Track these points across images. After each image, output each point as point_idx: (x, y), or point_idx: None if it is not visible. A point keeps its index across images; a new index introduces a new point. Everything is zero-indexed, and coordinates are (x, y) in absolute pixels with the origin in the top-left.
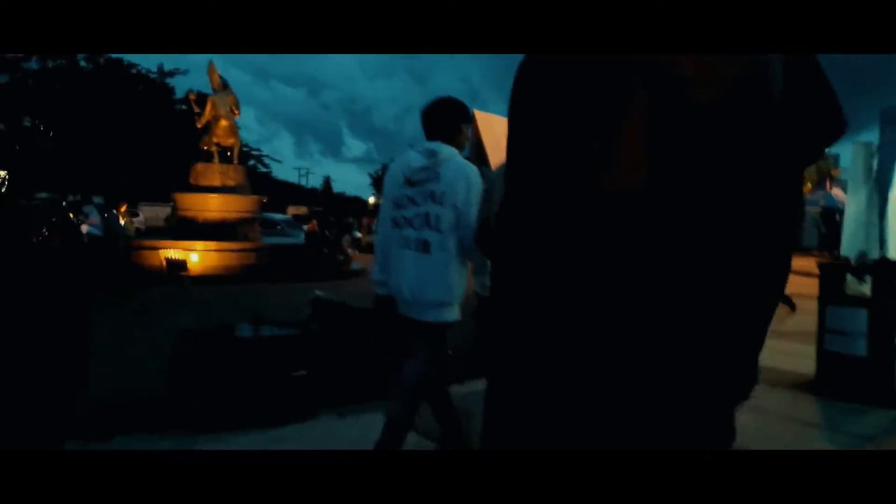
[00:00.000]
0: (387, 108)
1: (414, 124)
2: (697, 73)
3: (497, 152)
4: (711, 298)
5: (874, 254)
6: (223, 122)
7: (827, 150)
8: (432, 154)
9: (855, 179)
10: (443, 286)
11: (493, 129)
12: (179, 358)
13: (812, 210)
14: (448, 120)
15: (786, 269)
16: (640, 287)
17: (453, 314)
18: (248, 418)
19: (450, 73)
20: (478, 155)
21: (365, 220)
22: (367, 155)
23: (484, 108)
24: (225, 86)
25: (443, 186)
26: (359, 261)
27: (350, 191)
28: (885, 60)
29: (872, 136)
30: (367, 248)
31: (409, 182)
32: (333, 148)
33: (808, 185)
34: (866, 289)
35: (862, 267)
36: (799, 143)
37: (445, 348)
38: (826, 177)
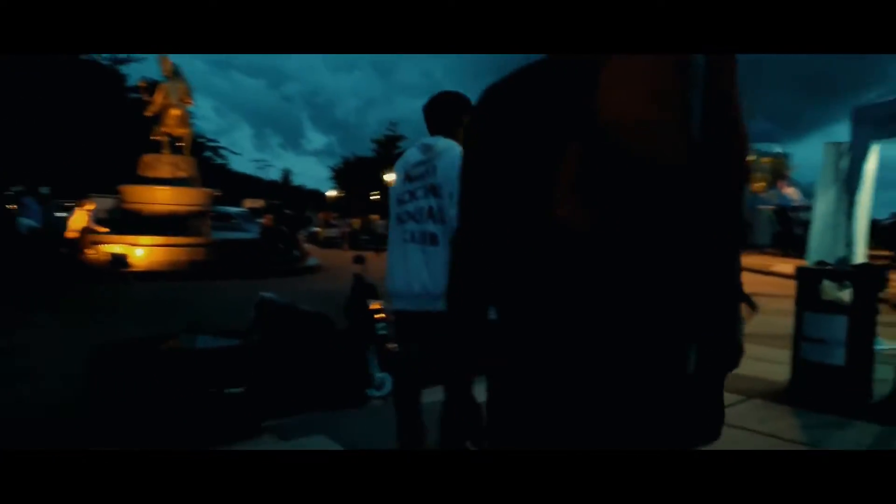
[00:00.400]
0: (349, 101)
1: (376, 117)
2: (622, 121)
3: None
4: (649, 308)
5: (841, 254)
6: (174, 111)
7: (780, 149)
8: (428, 148)
9: (824, 180)
10: None
11: None
12: (96, 374)
13: (766, 209)
14: (448, 113)
15: (734, 274)
16: (575, 303)
17: None
18: (173, 442)
19: (413, 68)
20: None
21: (321, 215)
22: (329, 148)
23: None
24: (176, 73)
25: (439, 179)
26: (315, 256)
27: (310, 184)
28: (858, 60)
29: (843, 134)
30: (325, 244)
31: (409, 177)
32: (294, 140)
33: (763, 184)
34: (844, 294)
35: (841, 272)
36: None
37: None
38: (779, 176)
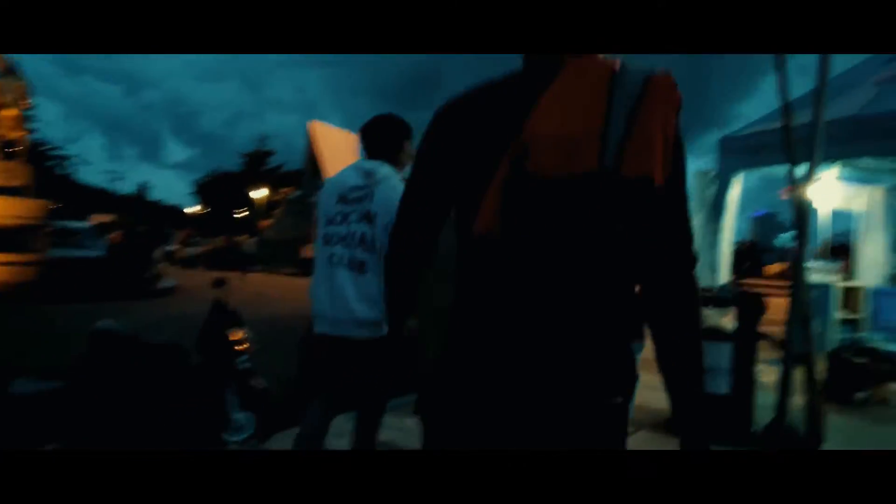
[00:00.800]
0: (215, 113)
1: (245, 131)
2: (542, 135)
3: (335, 164)
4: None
5: (706, 281)
6: (7, 112)
7: None
8: (369, 174)
9: (692, 208)
10: (377, 305)
11: (332, 141)
12: None
13: None
14: (391, 138)
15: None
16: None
17: (384, 330)
18: None
19: (286, 82)
20: (314, 166)
21: (180, 233)
22: (192, 161)
23: (323, 119)
24: (12, 70)
25: (376, 207)
26: (172, 277)
27: (170, 199)
28: (727, 90)
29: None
30: (184, 263)
31: (343, 199)
32: (152, 152)
33: None
34: (726, 322)
35: (724, 298)
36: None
37: (380, 364)
38: None
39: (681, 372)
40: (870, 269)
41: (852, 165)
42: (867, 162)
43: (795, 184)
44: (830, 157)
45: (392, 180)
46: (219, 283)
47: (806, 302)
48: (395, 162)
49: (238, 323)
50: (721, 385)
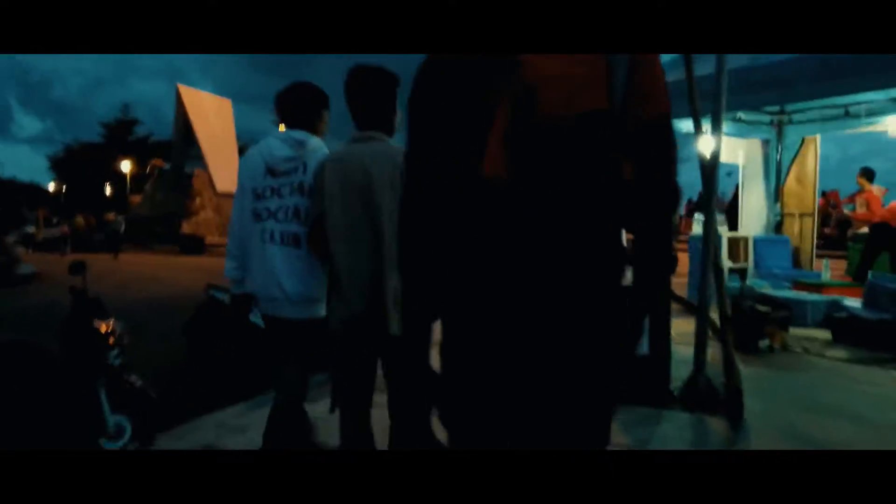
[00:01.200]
0: (70, 81)
1: (106, 100)
2: (546, 78)
3: (204, 127)
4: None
5: None
6: None
7: None
8: (299, 144)
9: None
10: (314, 281)
11: (200, 105)
12: None
13: None
14: (310, 107)
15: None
16: (513, 259)
17: (323, 310)
18: None
19: None
20: (184, 134)
21: (40, 212)
22: (46, 134)
23: (190, 84)
24: None
25: (310, 178)
26: (30, 263)
27: (23, 176)
28: None
29: None
30: (44, 246)
31: (272, 172)
32: (1, 126)
33: None
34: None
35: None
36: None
37: (317, 345)
38: None
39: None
40: (751, 219)
41: (730, 119)
42: (743, 115)
43: (700, 136)
44: (705, 111)
45: (323, 150)
46: (77, 269)
47: (717, 253)
48: (315, 131)
49: (103, 312)
50: (641, 346)
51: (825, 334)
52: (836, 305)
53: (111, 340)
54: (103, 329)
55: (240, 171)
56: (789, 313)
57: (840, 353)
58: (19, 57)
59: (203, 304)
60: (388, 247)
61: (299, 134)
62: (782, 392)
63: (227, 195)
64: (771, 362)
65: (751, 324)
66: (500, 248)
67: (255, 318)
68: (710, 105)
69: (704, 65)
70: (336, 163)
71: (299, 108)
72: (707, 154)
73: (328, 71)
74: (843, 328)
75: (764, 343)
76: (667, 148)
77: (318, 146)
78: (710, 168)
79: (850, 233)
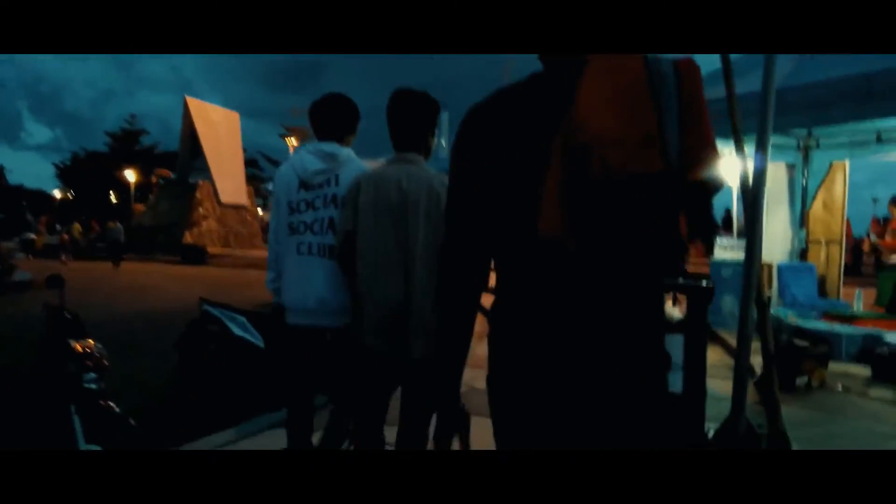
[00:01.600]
0: (81, 92)
1: (115, 111)
2: (600, 137)
3: (210, 138)
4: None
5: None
6: None
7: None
8: (331, 157)
9: None
10: (345, 291)
11: (207, 116)
12: None
13: None
14: (346, 119)
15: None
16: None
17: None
18: None
19: (160, 61)
20: (191, 145)
21: (43, 218)
22: (55, 143)
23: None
24: None
25: (342, 190)
26: (28, 270)
27: (30, 183)
28: None
29: None
30: (44, 253)
31: (305, 185)
32: (10, 133)
33: None
34: (674, 312)
35: (674, 284)
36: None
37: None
38: None
39: None
40: (774, 245)
41: (751, 142)
42: (771, 138)
43: (741, 158)
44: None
45: (356, 163)
46: (54, 283)
47: (760, 285)
48: (346, 143)
49: (80, 332)
50: (675, 382)
51: (863, 370)
52: (876, 339)
53: (88, 363)
54: (80, 350)
55: (275, 186)
56: (828, 348)
57: (883, 392)
58: (31, 66)
59: (195, 319)
60: (418, 277)
61: (329, 146)
62: (825, 438)
63: (231, 206)
64: (810, 402)
65: (788, 359)
66: (558, 305)
67: (249, 335)
68: (752, 123)
69: (744, 82)
70: (371, 180)
71: (334, 118)
72: (750, 179)
73: (336, 87)
74: (886, 365)
75: (802, 380)
76: (711, 196)
77: (348, 157)
78: (753, 194)
79: (876, 260)
